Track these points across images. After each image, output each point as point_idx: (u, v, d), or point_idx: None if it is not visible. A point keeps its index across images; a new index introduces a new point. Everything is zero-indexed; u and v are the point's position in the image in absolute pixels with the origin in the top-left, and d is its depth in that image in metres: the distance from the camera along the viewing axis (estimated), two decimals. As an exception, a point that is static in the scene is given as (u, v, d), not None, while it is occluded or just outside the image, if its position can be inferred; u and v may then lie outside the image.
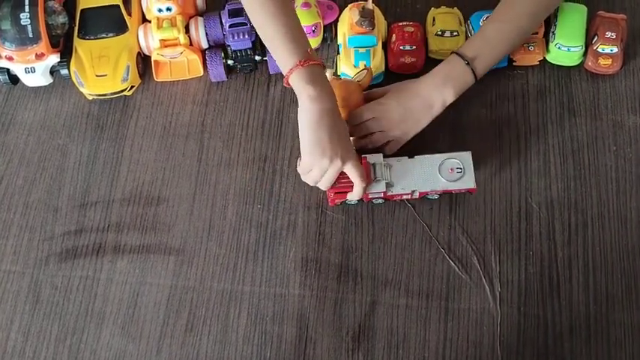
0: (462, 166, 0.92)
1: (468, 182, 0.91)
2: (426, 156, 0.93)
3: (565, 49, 1.01)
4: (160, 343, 0.91)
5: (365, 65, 1.01)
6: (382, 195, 0.92)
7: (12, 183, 1.04)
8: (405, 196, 0.93)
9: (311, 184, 0.91)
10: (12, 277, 0.98)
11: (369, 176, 0.91)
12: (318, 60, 0.86)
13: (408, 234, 0.94)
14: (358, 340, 0.89)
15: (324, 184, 0.89)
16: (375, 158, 0.92)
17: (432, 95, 0.93)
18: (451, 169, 0.92)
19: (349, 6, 1.05)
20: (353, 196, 0.90)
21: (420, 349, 0.88)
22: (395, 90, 0.97)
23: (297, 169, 0.91)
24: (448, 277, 0.91)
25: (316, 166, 0.86)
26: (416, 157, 0.93)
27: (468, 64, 0.92)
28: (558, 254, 0.91)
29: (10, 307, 0.96)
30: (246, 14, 1.03)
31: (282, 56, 0.86)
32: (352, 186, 0.89)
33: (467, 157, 0.92)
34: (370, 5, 1.01)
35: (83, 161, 1.05)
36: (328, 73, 0.92)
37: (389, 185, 0.91)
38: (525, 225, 0.94)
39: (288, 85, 0.86)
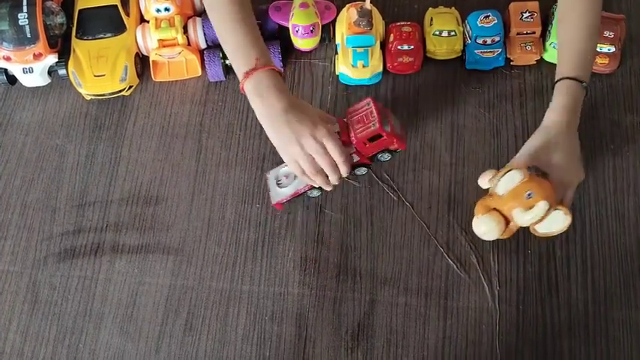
0: None
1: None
2: None
3: (561, 48, 1.01)
4: (159, 342, 0.91)
5: (363, 65, 1.01)
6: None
7: (10, 183, 1.04)
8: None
9: (331, 180, 0.88)
10: (10, 278, 0.97)
11: (346, 135, 0.88)
12: (262, 66, 0.85)
13: (406, 233, 0.95)
14: (357, 339, 0.89)
15: (329, 167, 0.85)
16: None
17: (570, 137, 0.86)
18: None
19: (347, 6, 1.05)
20: (341, 170, 0.87)
21: (419, 348, 0.88)
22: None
23: (307, 182, 0.89)
24: (447, 276, 0.91)
25: (296, 158, 0.85)
26: None
27: (585, 85, 0.87)
28: (557, 253, 0.92)
29: (9, 307, 0.95)
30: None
31: (235, 68, 0.88)
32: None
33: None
34: (368, 5, 1.01)
35: (81, 161, 1.05)
36: None
37: None
38: (523, 223, 0.94)
39: (244, 93, 0.87)
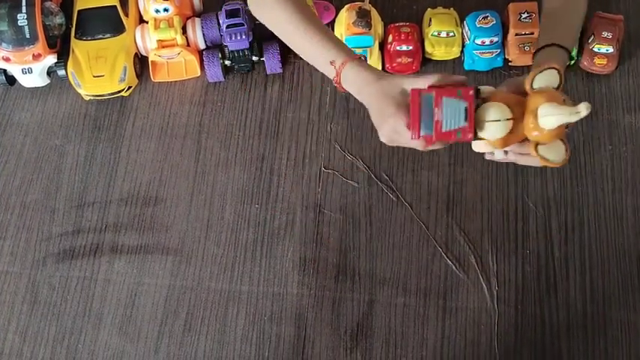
0: None
1: None
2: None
3: (559, 49, 1.02)
4: (158, 343, 0.91)
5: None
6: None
7: (9, 184, 1.04)
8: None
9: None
10: (9, 278, 0.97)
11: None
12: (351, 57, 0.80)
13: (405, 233, 0.95)
14: (356, 339, 0.89)
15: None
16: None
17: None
18: None
19: (346, 7, 1.05)
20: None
21: (418, 348, 0.88)
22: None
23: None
24: (446, 276, 0.92)
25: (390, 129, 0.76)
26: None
27: (564, 49, 0.85)
28: (555, 253, 0.92)
29: (8, 307, 0.95)
30: (243, 15, 1.04)
31: (321, 70, 0.83)
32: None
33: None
34: (367, 6, 1.01)
35: (80, 162, 1.05)
36: None
37: None
38: (522, 224, 0.94)
39: (345, 90, 0.81)
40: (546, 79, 0.74)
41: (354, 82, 0.79)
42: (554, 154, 0.75)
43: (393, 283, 0.92)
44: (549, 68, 0.74)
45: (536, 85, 0.74)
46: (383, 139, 0.77)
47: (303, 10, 0.83)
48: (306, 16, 0.83)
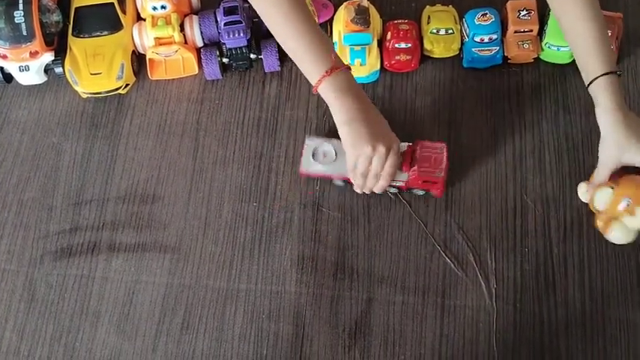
0: None
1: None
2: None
3: (555, 48, 1.01)
4: (156, 341, 0.91)
5: (360, 63, 1.01)
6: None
7: (6, 181, 1.04)
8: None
9: (364, 187, 0.91)
10: (6, 276, 0.97)
11: (407, 165, 0.91)
12: (342, 65, 0.86)
13: (403, 231, 0.94)
14: (354, 337, 0.89)
15: (375, 178, 0.88)
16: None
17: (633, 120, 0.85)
18: None
19: (344, 4, 1.05)
20: (377, 186, 0.90)
21: (416, 346, 0.88)
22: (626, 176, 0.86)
23: (350, 176, 0.91)
24: (444, 274, 0.91)
25: (361, 156, 0.86)
26: None
27: (619, 74, 0.86)
28: (554, 251, 0.92)
29: (5, 305, 0.95)
30: (241, 12, 1.03)
31: (307, 69, 0.87)
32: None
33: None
34: (365, 3, 1.01)
35: (78, 160, 1.05)
36: None
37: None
38: (521, 222, 0.94)
39: (317, 93, 0.87)
40: (602, 196, 0.86)
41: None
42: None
43: (391, 281, 0.91)
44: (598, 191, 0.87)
45: (600, 206, 0.87)
46: (359, 150, 0.85)
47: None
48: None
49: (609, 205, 0.85)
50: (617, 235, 0.86)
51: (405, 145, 0.93)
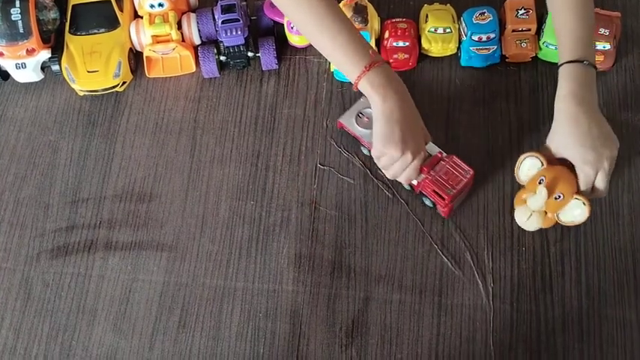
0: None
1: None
2: None
3: (553, 47, 1.01)
4: (153, 339, 0.91)
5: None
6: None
7: (2, 179, 1.03)
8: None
9: (386, 168, 0.90)
10: (3, 274, 0.97)
11: (428, 167, 0.91)
12: (380, 59, 0.85)
13: (401, 230, 0.94)
14: (351, 336, 0.89)
15: (392, 174, 0.89)
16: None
17: (586, 117, 0.85)
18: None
19: (342, 2, 1.04)
20: (403, 178, 0.90)
21: (413, 345, 0.88)
22: (561, 144, 0.87)
23: (372, 153, 0.90)
24: (441, 273, 0.91)
25: (387, 155, 0.87)
26: None
27: (587, 63, 0.85)
28: (551, 250, 0.92)
29: (1, 304, 0.95)
30: (238, 10, 1.03)
31: (346, 67, 0.86)
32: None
33: None
34: (363, 1, 1.01)
35: (74, 158, 1.04)
36: None
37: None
38: (518, 221, 0.94)
39: (358, 89, 0.86)
40: (529, 167, 0.87)
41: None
42: (578, 214, 0.87)
43: (388, 280, 0.91)
44: (525, 159, 0.87)
45: (523, 178, 0.88)
46: (387, 150, 0.85)
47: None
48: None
49: (530, 179, 0.86)
50: (517, 215, 0.88)
51: (436, 150, 0.92)
